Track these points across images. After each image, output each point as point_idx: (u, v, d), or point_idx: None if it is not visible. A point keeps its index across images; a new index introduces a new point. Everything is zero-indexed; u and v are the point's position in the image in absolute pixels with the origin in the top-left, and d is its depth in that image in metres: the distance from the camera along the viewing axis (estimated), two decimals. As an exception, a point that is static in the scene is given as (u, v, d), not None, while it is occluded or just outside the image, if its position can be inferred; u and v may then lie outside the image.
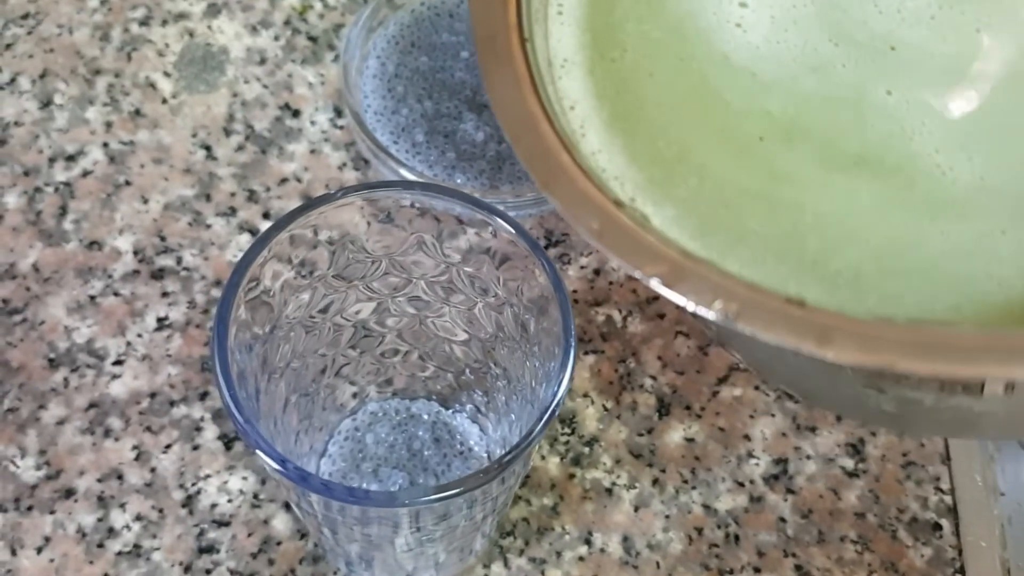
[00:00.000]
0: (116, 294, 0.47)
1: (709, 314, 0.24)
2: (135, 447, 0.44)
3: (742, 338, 0.24)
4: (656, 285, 0.24)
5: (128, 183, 0.49)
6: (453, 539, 0.40)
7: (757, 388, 0.47)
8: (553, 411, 0.29)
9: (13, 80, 0.51)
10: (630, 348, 0.47)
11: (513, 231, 0.31)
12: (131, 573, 0.42)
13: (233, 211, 0.48)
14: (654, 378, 0.47)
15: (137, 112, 0.50)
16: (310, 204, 0.31)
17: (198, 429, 0.44)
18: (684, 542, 0.44)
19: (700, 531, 0.44)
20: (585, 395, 0.46)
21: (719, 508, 0.45)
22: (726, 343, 0.28)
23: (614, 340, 0.47)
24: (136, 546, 0.42)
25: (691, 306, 0.24)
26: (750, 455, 0.46)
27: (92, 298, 0.46)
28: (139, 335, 0.46)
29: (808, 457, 0.46)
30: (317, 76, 0.52)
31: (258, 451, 0.28)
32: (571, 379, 0.31)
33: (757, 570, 0.44)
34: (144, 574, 0.42)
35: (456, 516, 0.37)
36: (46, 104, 0.50)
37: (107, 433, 0.44)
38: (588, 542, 0.44)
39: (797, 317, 0.23)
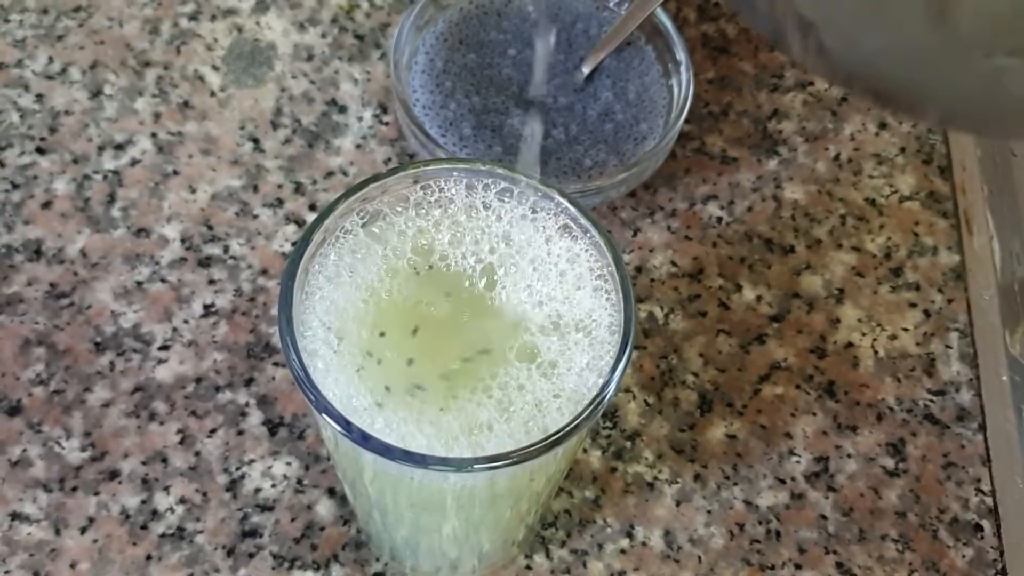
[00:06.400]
0: (163, 280, 0.47)
1: None
2: (180, 431, 0.44)
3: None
4: None
5: (176, 173, 0.49)
6: (498, 528, 0.40)
7: (798, 387, 0.47)
8: (602, 401, 0.29)
9: (64, 71, 0.51)
10: (672, 345, 0.47)
11: (572, 207, 0.32)
12: (174, 555, 0.42)
13: (280, 202, 0.49)
14: (696, 375, 0.47)
15: (186, 104, 0.51)
16: (376, 176, 0.31)
17: (243, 414, 0.45)
18: (725, 537, 0.44)
19: (742, 527, 0.44)
20: (627, 390, 0.46)
21: (760, 504, 0.45)
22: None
23: (656, 336, 0.47)
24: (179, 529, 0.43)
25: None
26: (791, 453, 0.46)
27: (139, 284, 0.47)
28: (185, 321, 0.46)
29: (849, 456, 0.46)
30: (363, 73, 0.52)
31: (323, 414, 0.28)
32: (628, 360, 0.31)
33: (798, 566, 0.44)
34: (187, 557, 0.42)
35: (503, 505, 0.37)
36: (96, 94, 0.51)
37: (152, 416, 0.44)
38: (630, 535, 0.44)
39: None
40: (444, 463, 0.27)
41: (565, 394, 0.30)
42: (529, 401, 0.29)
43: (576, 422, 0.28)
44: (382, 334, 0.30)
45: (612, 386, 0.29)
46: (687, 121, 0.52)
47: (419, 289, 0.31)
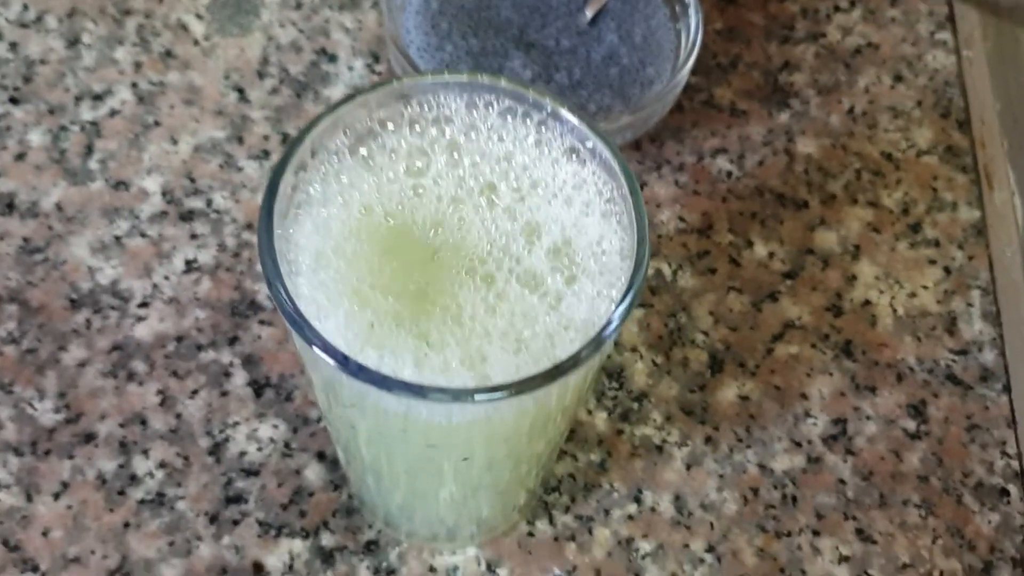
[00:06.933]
0: (143, 235, 0.44)
1: None
2: (160, 392, 0.42)
3: None
4: None
5: (157, 124, 0.47)
6: (497, 492, 0.37)
7: (814, 346, 0.44)
8: (611, 328, 0.26)
9: (39, 19, 0.49)
10: (680, 303, 0.45)
11: (581, 125, 0.29)
12: (153, 522, 0.40)
13: (266, 154, 0.46)
14: (706, 334, 0.44)
15: (168, 53, 0.48)
16: (366, 88, 0.28)
17: (227, 375, 0.42)
18: (739, 502, 0.41)
19: (756, 491, 0.42)
20: (633, 349, 0.44)
21: (775, 468, 0.42)
22: None
23: (664, 294, 0.45)
24: (159, 494, 0.40)
25: None
26: (807, 415, 0.43)
27: (117, 238, 0.44)
28: (166, 277, 0.44)
29: (868, 418, 0.43)
30: (355, 22, 0.50)
31: (315, 347, 0.26)
32: (639, 291, 0.28)
33: (816, 532, 0.41)
34: (167, 524, 0.40)
35: (501, 467, 0.34)
36: (73, 43, 0.48)
37: (130, 377, 0.42)
38: (638, 500, 0.41)
39: None
40: (443, 392, 0.25)
41: (575, 325, 0.27)
42: (539, 332, 0.27)
43: (584, 350, 0.26)
44: (375, 264, 0.28)
45: (622, 309, 0.26)
46: (694, 73, 0.49)
47: (414, 216, 0.28)
